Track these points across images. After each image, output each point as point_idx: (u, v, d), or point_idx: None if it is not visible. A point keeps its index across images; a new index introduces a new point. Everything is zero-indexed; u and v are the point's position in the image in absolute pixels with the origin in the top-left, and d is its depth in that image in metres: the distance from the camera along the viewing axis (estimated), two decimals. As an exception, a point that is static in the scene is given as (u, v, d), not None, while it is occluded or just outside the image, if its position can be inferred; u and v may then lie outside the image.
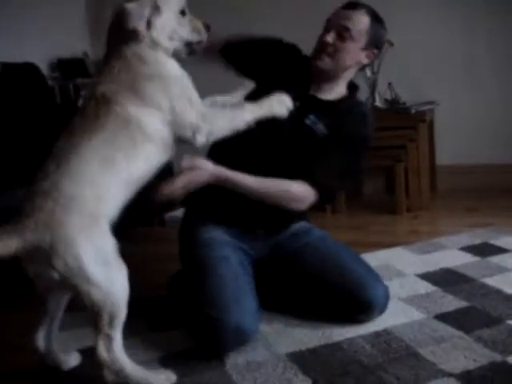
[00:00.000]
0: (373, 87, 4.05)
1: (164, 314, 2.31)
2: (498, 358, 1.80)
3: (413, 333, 2.00)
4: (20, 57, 3.63)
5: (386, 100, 3.99)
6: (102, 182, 1.62)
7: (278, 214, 2.19)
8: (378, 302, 2.10)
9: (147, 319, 2.27)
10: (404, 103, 3.82)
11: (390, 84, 3.91)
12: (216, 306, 1.91)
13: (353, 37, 2.13)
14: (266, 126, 1.88)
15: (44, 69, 3.95)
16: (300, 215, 2.33)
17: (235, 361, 1.90)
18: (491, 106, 4.07)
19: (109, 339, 1.64)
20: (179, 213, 3.62)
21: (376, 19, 2.20)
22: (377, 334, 2.01)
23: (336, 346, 1.96)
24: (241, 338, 1.92)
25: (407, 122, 3.66)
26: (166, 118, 1.69)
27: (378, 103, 4.03)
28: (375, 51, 2.22)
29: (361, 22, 2.15)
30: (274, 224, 2.29)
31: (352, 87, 2.29)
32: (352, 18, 2.14)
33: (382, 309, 2.13)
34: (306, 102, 2.18)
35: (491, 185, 3.94)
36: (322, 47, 2.16)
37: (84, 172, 1.60)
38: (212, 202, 2.21)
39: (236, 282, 2.02)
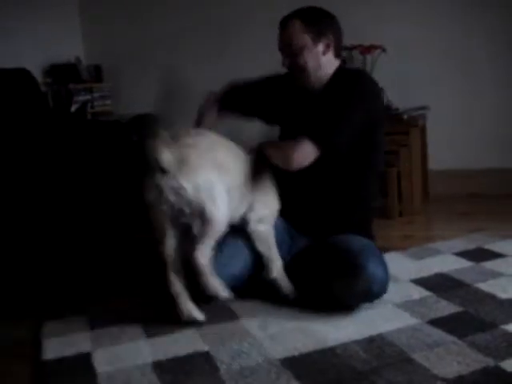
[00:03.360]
0: (366, 93, 4.06)
1: (159, 319, 2.29)
2: (491, 363, 1.80)
3: (406, 338, 2.00)
4: (13, 62, 3.62)
5: (378, 105, 4.00)
6: None
7: (338, 227, 2.42)
8: (368, 268, 2.13)
9: (142, 324, 2.26)
10: (396, 108, 3.82)
11: (381, 89, 3.91)
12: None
13: (299, 46, 2.31)
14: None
15: (37, 74, 3.94)
16: (361, 230, 2.44)
17: (229, 367, 1.89)
18: (483, 110, 4.08)
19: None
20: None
21: (306, 16, 2.33)
22: (370, 340, 2.01)
23: (330, 352, 1.95)
24: None
25: (399, 128, 3.66)
26: None
27: (371, 108, 4.03)
28: (329, 36, 2.35)
29: (294, 31, 2.31)
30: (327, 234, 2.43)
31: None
32: (287, 35, 2.32)
33: (373, 281, 2.14)
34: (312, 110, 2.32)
35: (484, 189, 3.95)
36: (289, 71, 2.40)
37: None
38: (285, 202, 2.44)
39: (239, 252, 2.32)
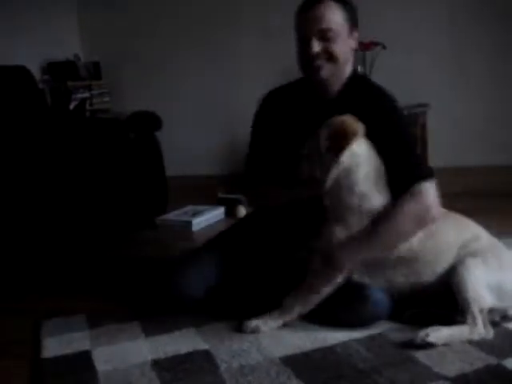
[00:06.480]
0: (365, 90, 4.05)
1: (158, 318, 2.28)
2: (493, 361, 1.79)
3: (408, 336, 1.99)
4: (11, 60, 3.61)
5: (378, 103, 3.99)
6: None
7: None
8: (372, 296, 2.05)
9: (142, 323, 2.25)
10: (396, 106, 3.82)
11: (382, 87, 3.91)
12: None
13: (337, 33, 1.99)
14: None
15: (35, 72, 3.93)
16: None
17: (229, 365, 1.88)
18: (483, 108, 4.08)
19: None
20: (171, 216, 3.60)
21: (343, 1, 2.03)
22: (371, 338, 2.00)
23: (330, 350, 1.94)
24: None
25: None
26: None
27: (371, 106, 4.02)
28: (357, 31, 2.08)
29: (332, 14, 1.98)
30: None
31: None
32: (325, 16, 1.97)
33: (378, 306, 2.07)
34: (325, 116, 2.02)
35: (484, 187, 3.94)
36: (313, 59, 2.02)
37: None
38: None
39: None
